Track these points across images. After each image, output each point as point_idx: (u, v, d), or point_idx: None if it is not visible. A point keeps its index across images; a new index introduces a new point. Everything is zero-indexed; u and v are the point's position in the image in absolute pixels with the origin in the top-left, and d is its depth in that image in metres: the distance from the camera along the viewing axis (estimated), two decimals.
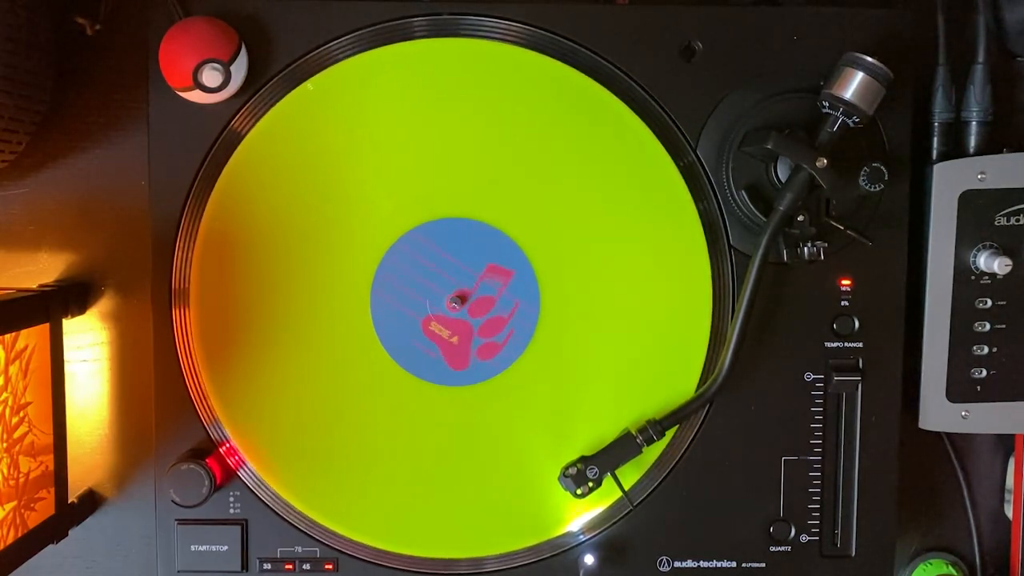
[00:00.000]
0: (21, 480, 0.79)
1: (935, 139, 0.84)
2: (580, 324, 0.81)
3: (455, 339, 0.81)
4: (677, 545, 0.82)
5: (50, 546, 0.83)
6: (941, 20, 0.83)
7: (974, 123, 0.83)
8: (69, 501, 0.86)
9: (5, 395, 0.77)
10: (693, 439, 0.82)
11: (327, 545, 0.82)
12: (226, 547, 0.81)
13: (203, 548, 0.81)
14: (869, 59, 0.73)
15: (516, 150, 0.80)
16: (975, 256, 0.81)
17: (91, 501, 0.89)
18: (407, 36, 0.79)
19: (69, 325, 0.86)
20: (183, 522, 0.81)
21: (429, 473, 0.82)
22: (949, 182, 0.81)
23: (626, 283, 0.81)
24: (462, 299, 0.81)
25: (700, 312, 0.81)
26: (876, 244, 0.79)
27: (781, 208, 0.76)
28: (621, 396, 0.81)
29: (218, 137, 0.79)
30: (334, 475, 0.81)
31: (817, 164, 0.73)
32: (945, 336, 0.82)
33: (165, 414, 0.80)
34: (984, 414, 0.83)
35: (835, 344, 0.81)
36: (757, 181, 0.79)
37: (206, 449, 0.80)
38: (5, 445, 0.77)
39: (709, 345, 0.81)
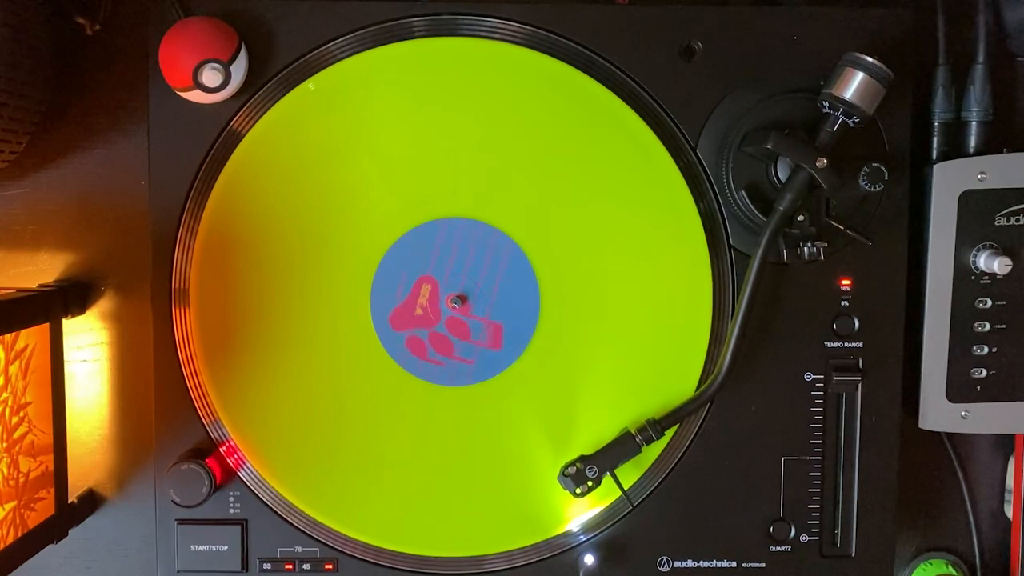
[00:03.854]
0: (21, 480, 0.79)
1: (935, 139, 0.84)
2: (580, 324, 0.81)
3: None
4: (677, 545, 0.82)
5: (50, 546, 0.83)
6: (941, 20, 0.83)
7: (974, 123, 0.83)
8: (69, 501, 0.86)
9: (5, 395, 0.77)
10: (693, 439, 0.82)
11: (327, 545, 0.82)
12: (226, 547, 0.81)
13: (203, 548, 0.81)
14: (869, 59, 0.73)
15: (516, 150, 0.80)
16: (975, 256, 0.81)
17: (91, 501, 0.89)
18: (407, 36, 0.79)
19: (69, 325, 0.86)
20: (183, 522, 0.81)
21: (429, 473, 0.82)
22: (949, 182, 0.81)
23: (626, 283, 0.81)
24: (462, 299, 0.81)
25: (700, 312, 0.81)
26: (876, 244, 0.79)
27: (781, 208, 0.76)
28: (621, 396, 0.81)
29: (218, 137, 0.79)
30: (334, 475, 0.81)
31: (817, 164, 0.73)
32: (945, 336, 0.82)
33: (165, 414, 0.80)
34: (984, 414, 0.83)
35: (835, 344, 0.81)
36: (757, 181, 0.79)
37: (206, 449, 0.80)
38: (5, 445, 0.78)
39: (709, 345, 0.81)
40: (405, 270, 0.80)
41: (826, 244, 0.77)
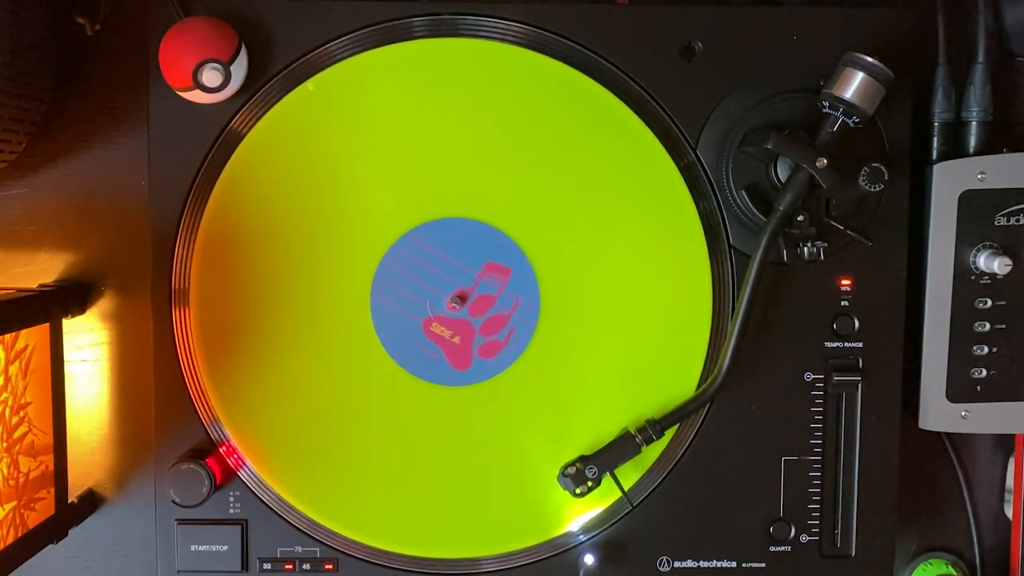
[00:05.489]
0: (21, 480, 0.79)
1: (935, 139, 0.84)
2: (580, 324, 0.81)
3: (455, 339, 0.81)
4: (677, 545, 0.82)
5: (50, 546, 0.83)
6: (941, 20, 0.83)
7: (974, 123, 0.83)
8: (69, 501, 0.86)
9: (5, 395, 0.77)
10: (693, 439, 0.82)
11: (327, 545, 0.82)
12: (226, 547, 0.81)
13: (203, 548, 0.81)
14: (869, 59, 0.73)
15: (516, 150, 0.80)
16: (975, 256, 0.81)
17: (91, 501, 0.89)
18: (407, 36, 0.79)
19: (69, 325, 0.86)
20: (183, 522, 0.81)
21: (429, 473, 0.82)
22: (949, 182, 0.81)
23: (626, 283, 0.81)
24: (462, 299, 0.81)
25: (700, 312, 0.81)
26: (876, 244, 0.79)
27: (781, 208, 0.76)
28: (621, 396, 0.81)
29: (218, 137, 0.79)
30: (334, 475, 0.81)
31: (817, 164, 0.73)
32: (945, 336, 0.82)
33: (165, 414, 0.80)
34: (984, 414, 0.83)
35: (835, 344, 0.81)
36: (757, 181, 0.79)
37: (206, 449, 0.80)
38: (5, 445, 0.78)
39: (709, 345, 0.81)
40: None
41: (826, 244, 0.77)
